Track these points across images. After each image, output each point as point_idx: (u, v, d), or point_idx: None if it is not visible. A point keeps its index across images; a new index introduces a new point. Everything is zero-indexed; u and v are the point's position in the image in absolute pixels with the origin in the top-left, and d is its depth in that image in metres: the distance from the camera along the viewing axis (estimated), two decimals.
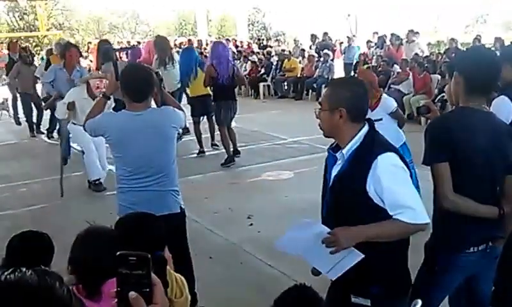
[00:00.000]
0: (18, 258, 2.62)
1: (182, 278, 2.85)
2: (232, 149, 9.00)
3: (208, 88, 9.14)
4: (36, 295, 1.01)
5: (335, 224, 2.61)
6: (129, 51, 11.66)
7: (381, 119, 5.60)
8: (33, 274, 1.04)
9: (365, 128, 2.64)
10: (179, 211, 3.90)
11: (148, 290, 1.19)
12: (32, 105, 12.09)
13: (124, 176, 3.74)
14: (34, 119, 12.34)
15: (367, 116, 2.71)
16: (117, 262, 1.17)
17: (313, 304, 2.37)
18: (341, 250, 2.54)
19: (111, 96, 4.25)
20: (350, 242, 2.53)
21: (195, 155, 9.60)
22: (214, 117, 9.23)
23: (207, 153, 9.61)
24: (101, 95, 4.13)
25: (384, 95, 6.13)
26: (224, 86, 8.53)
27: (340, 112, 2.61)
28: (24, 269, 1.04)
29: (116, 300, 1.18)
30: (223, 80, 8.48)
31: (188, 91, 9.81)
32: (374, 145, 2.60)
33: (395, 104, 6.03)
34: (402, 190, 2.55)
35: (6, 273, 1.03)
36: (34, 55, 12.87)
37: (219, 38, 27.81)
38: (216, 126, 9.22)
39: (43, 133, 12.12)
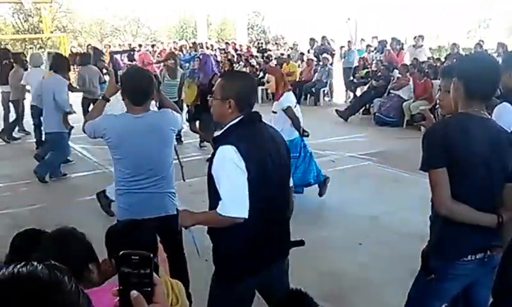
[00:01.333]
0: (22, 255, 2.57)
1: (179, 284, 2.78)
2: None
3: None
4: (47, 289, 1.02)
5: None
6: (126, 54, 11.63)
7: (275, 113, 6.69)
8: (44, 268, 1.04)
9: (237, 119, 2.89)
10: (175, 213, 3.82)
11: (149, 289, 1.19)
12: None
13: (123, 178, 3.74)
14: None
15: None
16: (120, 261, 1.18)
17: None
18: (184, 227, 3.08)
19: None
20: (186, 223, 3.03)
21: (192, 157, 9.53)
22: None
23: (203, 157, 9.51)
24: (100, 97, 4.13)
25: (287, 93, 6.78)
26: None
27: (229, 103, 2.87)
28: (35, 263, 1.05)
29: (117, 298, 1.18)
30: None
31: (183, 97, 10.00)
32: (226, 135, 2.88)
33: (288, 104, 6.68)
34: (222, 182, 2.79)
35: (18, 266, 1.03)
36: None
37: (219, 41, 27.81)
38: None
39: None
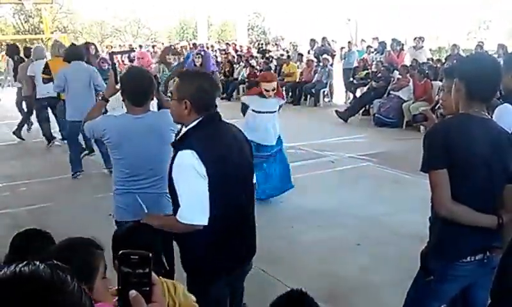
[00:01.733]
0: (22, 255, 2.57)
1: (176, 284, 2.76)
2: None
3: None
4: (49, 288, 1.01)
5: None
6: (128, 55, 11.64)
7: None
8: (46, 267, 1.04)
9: (196, 122, 2.89)
10: (172, 214, 3.83)
11: (148, 289, 1.19)
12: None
13: (122, 178, 3.73)
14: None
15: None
16: (119, 261, 1.18)
17: None
18: None
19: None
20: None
21: None
22: None
23: None
24: (100, 98, 4.13)
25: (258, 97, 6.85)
26: None
27: (185, 103, 2.86)
28: (37, 262, 1.04)
29: (116, 298, 1.18)
30: None
31: None
32: (185, 139, 2.88)
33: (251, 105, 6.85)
34: (181, 189, 2.80)
35: (20, 265, 1.02)
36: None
37: (219, 42, 27.81)
38: None
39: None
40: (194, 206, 2.79)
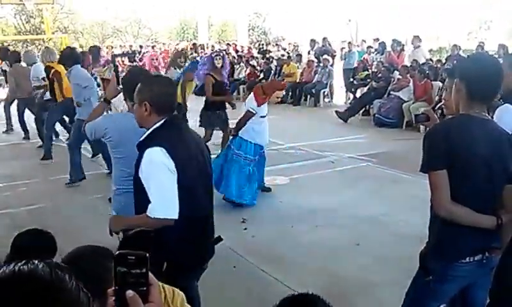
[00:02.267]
0: (24, 255, 2.56)
1: (175, 292, 2.73)
2: None
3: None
4: (48, 287, 1.02)
5: None
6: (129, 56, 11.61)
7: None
8: (45, 266, 1.04)
9: (160, 122, 2.98)
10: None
11: (145, 289, 1.18)
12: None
13: (123, 177, 3.71)
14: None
15: None
16: (116, 261, 1.17)
17: None
18: (115, 232, 3.12)
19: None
20: (116, 228, 3.11)
21: None
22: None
23: None
24: (102, 100, 4.14)
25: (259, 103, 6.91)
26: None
27: (145, 106, 2.98)
28: (36, 261, 1.05)
29: (113, 298, 1.17)
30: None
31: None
32: (152, 138, 2.95)
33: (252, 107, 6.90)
34: (151, 185, 2.86)
35: (19, 264, 1.03)
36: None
37: (220, 42, 27.82)
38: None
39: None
40: (166, 201, 2.86)
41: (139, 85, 3.08)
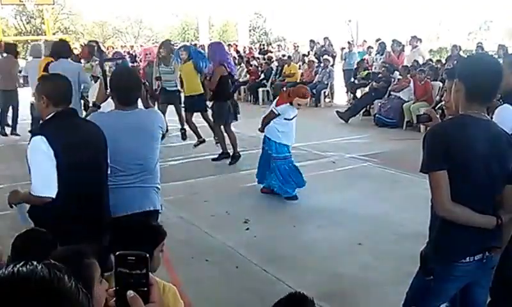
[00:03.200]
0: (24, 255, 2.60)
1: (168, 285, 2.76)
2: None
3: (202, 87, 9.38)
4: (48, 288, 1.01)
5: None
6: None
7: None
8: (44, 267, 1.04)
9: (52, 114, 3.35)
10: (159, 209, 4.02)
11: (145, 289, 1.20)
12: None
13: (111, 173, 3.78)
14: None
15: None
16: (116, 262, 1.18)
17: None
18: (13, 204, 3.47)
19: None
20: (13, 200, 3.45)
21: (195, 158, 9.53)
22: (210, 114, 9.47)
23: (206, 157, 9.53)
24: (91, 105, 4.21)
25: (286, 105, 7.12)
26: (233, 84, 8.77)
27: (43, 99, 3.36)
28: (34, 262, 1.05)
29: (114, 299, 1.19)
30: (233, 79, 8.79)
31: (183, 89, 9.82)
32: (41, 128, 3.43)
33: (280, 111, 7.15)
34: (32, 167, 3.26)
35: (18, 266, 1.03)
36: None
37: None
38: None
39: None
40: (42, 182, 3.24)
41: (40, 82, 3.52)
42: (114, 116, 3.81)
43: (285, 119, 7.16)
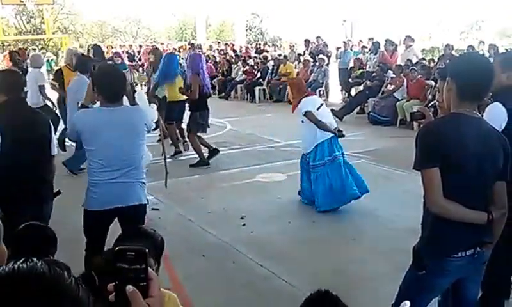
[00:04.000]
0: (23, 249, 2.61)
1: (170, 295, 2.73)
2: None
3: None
4: (48, 283, 1.02)
5: None
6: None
7: (303, 122, 6.58)
8: (43, 263, 1.05)
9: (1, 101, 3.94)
10: (146, 203, 4.02)
11: (144, 283, 1.19)
12: None
13: (96, 168, 3.83)
14: None
15: None
16: (116, 257, 1.18)
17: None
18: None
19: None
20: None
21: (192, 156, 9.51)
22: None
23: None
24: (79, 106, 4.23)
25: (304, 99, 6.64)
26: (206, 95, 8.57)
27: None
28: (34, 259, 1.05)
29: (114, 293, 1.18)
30: (206, 90, 8.54)
31: (166, 94, 9.57)
32: None
33: (305, 110, 6.56)
34: None
35: (18, 263, 1.04)
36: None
37: (218, 42, 27.81)
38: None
39: None
40: None
41: None
42: (99, 113, 3.86)
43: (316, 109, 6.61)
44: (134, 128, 3.87)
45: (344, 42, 19.03)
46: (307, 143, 6.75)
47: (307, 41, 19.93)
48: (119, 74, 3.99)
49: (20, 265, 1.03)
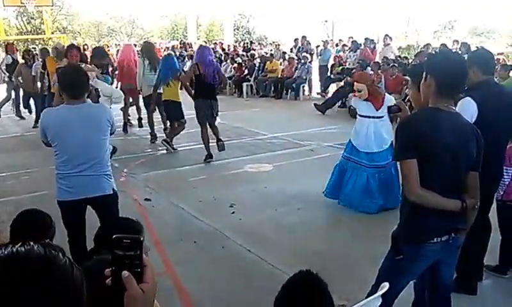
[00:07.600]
0: (23, 233, 2.62)
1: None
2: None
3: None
4: (44, 264, 1.04)
5: None
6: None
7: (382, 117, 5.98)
8: (40, 246, 1.07)
9: None
10: (112, 192, 4.00)
11: (139, 270, 1.21)
12: (33, 100, 12.49)
13: (62, 162, 3.82)
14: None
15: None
16: (113, 244, 1.20)
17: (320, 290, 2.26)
18: None
19: None
20: None
21: (184, 147, 9.46)
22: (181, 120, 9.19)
23: (194, 147, 9.43)
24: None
25: (387, 95, 6.16)
26: (206, 84, 8.19)
27: None
28: (31, 242, 1.08)
29: (110, 278, 1.20)
30: (206, 80, 8.17)
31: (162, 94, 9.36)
32: None
33: (393, 100, 6.00)
34: None
35: (16, 246, 1.06)
36: (35, 57, 12.63)
37: (207, 41, 27.66)
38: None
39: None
40: None
41: None
42: (62, 110, 3.84)
43: (360, 115, 6.12)
44: (96, 124, 3.84)
45: (323, 41, 19.08)
46: (382, 140, 6.00)
47: (296, 40, 19.95)
48: (81, 73, 3.96)
49: (18, 248, 1.05)
